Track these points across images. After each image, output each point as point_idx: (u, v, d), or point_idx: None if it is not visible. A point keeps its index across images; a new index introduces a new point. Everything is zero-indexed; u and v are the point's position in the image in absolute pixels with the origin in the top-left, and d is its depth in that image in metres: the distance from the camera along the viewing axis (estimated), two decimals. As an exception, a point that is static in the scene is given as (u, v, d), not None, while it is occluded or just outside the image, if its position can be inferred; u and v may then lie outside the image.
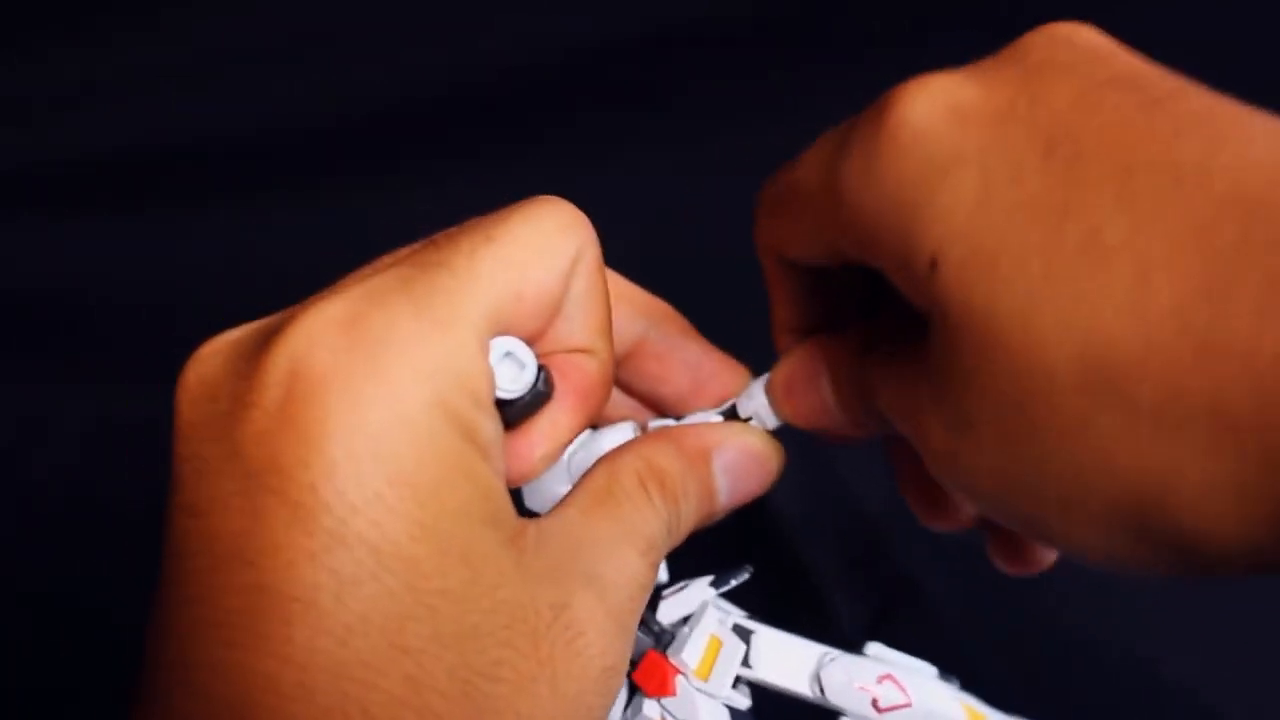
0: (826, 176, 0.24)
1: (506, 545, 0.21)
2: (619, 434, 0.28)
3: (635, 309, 0.29)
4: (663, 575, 0.36)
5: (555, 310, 0.24)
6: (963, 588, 0.42)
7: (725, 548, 0.42)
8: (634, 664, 0.29)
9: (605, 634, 0.22)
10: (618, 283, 0.28)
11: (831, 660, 0.29)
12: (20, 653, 0.42)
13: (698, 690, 0.29)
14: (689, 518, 0.26)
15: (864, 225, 0.22)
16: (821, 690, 0.29)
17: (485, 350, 0.22)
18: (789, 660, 0.30)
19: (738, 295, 0.57)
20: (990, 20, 0.57)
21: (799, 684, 0.29)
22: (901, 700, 0.29)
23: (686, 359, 0.30)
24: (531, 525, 0.23)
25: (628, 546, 0.24)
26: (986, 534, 0.30)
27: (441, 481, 0.20)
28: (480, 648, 0.20)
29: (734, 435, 0.27)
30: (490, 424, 0.22)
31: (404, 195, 0.57)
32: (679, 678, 0.29)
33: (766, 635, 0.30)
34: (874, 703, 0.29)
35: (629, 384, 0.30)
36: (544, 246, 0.23)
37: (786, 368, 0.28)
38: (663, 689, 0.29)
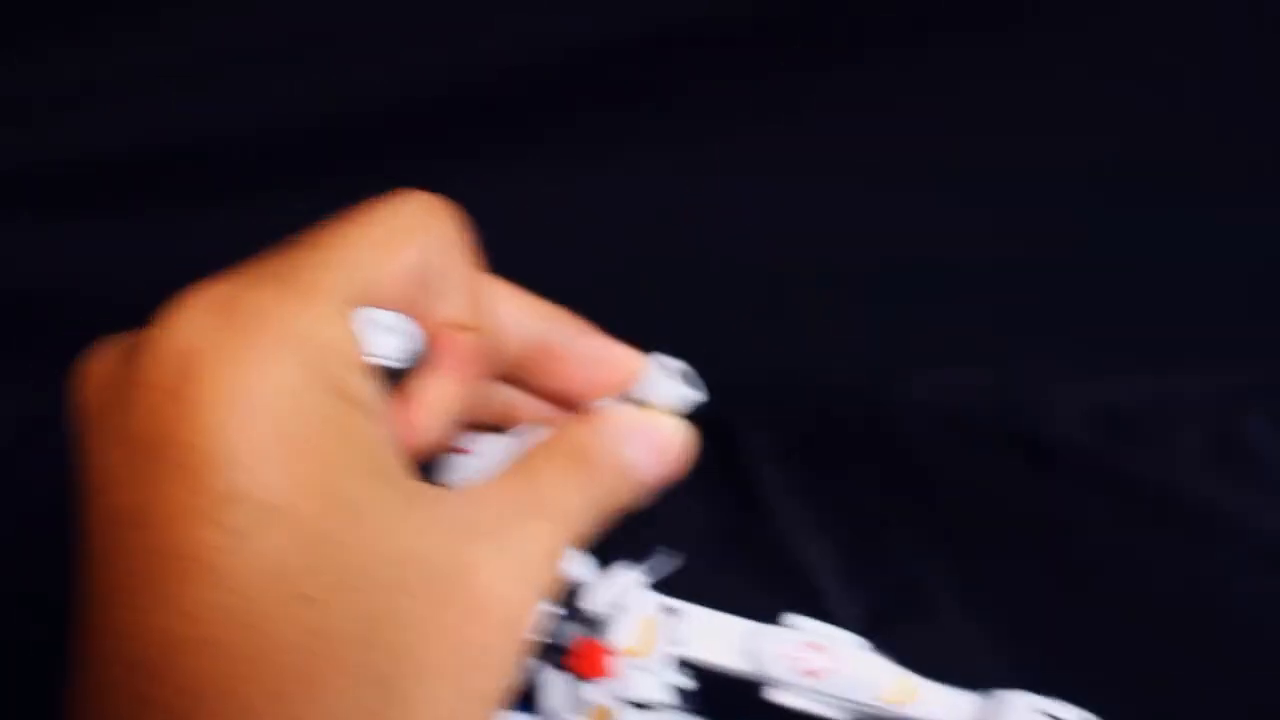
0: None
1: (400, 498, 0.22)
2: (539, 435, 0.30)
3: (533, 312, 0.31)
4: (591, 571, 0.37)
5: (419, 286, 0.25)
6: (963, 588, 0.42)
7: (727, 549, 0.42)
8: (567, 651, 0.30)
9: (507, 586, 0.23)
10: (514, 289, 0.30)
11: (758, 633, 0.31)
12: (20, 653, 0.42)
13: (637, 669, 0.30)
14: (614, 493, 0.28)
15: None
16: (753, 662, 0.31)
17: (349, 318, 0.23)
18: (719, 636, 0.31)
19: (737, 295, 0.57)
20: (991, 21, 0.57)
21: (731, 658, 0.31)
22: (829, 666, 0.31)
23: (587, 353, 0.31)
24: (436, 488, 0.24)
25: (539, 514, 0.25)
26: None
27: (320, 437, 0.21)
28: (375, 595, 0.21)
29: (644, 415, 0.30)
30: (365, 385, 0.23)
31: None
32: (616, 659, 0.30)
33: (696, 613, 0.31)
34: (802, 670, 0.30)
35: (537, 384, 0.32)
36: (403, 226, 0.25)
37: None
38: (596, 670, 0.29)
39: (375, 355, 0.24)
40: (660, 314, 0.33)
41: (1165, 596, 0.43)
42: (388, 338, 0.25)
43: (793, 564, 0.43)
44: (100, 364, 0.24)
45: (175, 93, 0.61)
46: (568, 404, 0.32)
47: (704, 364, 0.33)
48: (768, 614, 0.41)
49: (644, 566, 0.32)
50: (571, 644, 0.31)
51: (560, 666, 0.30)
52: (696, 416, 0.32)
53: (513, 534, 0.24)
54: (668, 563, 0.33)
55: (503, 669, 0.23)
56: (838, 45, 0.60)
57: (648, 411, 0.30)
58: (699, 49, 0.60)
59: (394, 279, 0.25)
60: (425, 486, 0.24)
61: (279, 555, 0.20)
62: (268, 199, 0.59)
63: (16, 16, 0.61)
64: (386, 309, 0.25)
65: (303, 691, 0.20)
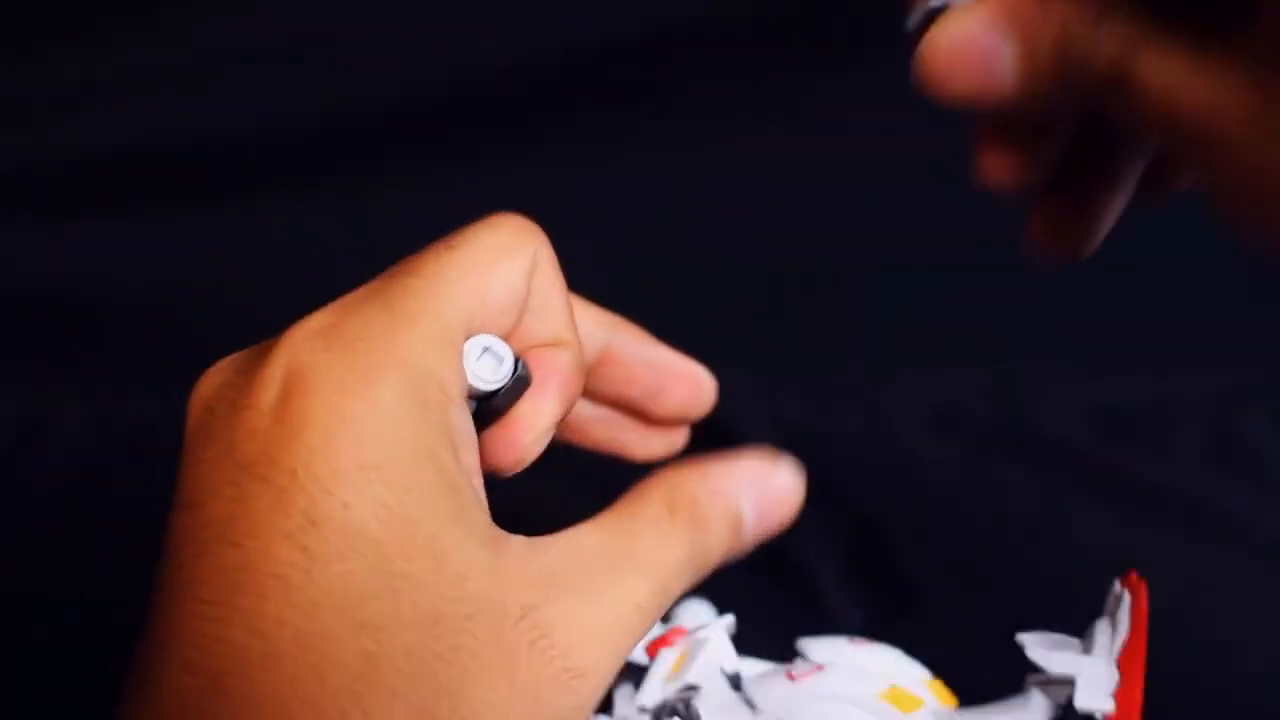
0: None
1: (478, 542, 0.22)
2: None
3: (596, 321, 0.30)
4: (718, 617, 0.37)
5: (520, 308, 0.25)
6: (963, 588, 0.42)
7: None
8: None
9: (575, 639, 0.22)
10: (577, 299, 0.29)
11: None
12: (20, 653, 0.42)
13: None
14: (716, 549, 0.26)
15: None
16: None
17: (456, 347, 0.23)
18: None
19: (737, 295, 0.57)
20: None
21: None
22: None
23: (650, 361, 0.31)
24: (521, 537, 0.23)
25: (634, 567, 0.24)
26: (1039, 207, 0.27)
27: (410, 467, 0.21)
28: (440, 633, 0.21)
29: (762, 468, 0.28)
30: (461, 418, 0.23)
31: (404, 195, 0.57)
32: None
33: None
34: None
35: (599, 391, 0.31)
36: (503, 248, 0.25)
37: (960, 23, 0.23)
38: None
39: (480, 379, 0.24)
40: (660, 314, 0.33)
41: (1165, 596, 0.43)
42: (496, 364, 0.25)
43: (793, 563, 0.43)
44: (209, 385, 0.23)
45: (175, 93, 0.61)
46: (629, 410, 0.32)
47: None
48: (767, 614, 0.41)
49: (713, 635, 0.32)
50: None
51: None
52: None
53: (599, 588, 0.23)
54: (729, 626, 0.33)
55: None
56: (838, 45, 0.60)
57: (763, 458, 0.28)
58: (699, 49, 0.61)
59: (497, 303, 0.25)
60: (508, 535, 0.23)
61: (349, 581, 0.20)
62: (268, 199, 0.59)
63: (16, 16, 0.61)
64: (490, 333, 0.25)
65: (353, 713, 0.20)
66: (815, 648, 0.32)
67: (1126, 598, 0.29)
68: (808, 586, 0.42)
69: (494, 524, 0.23)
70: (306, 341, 0.22)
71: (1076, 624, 0.40)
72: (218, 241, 0.57)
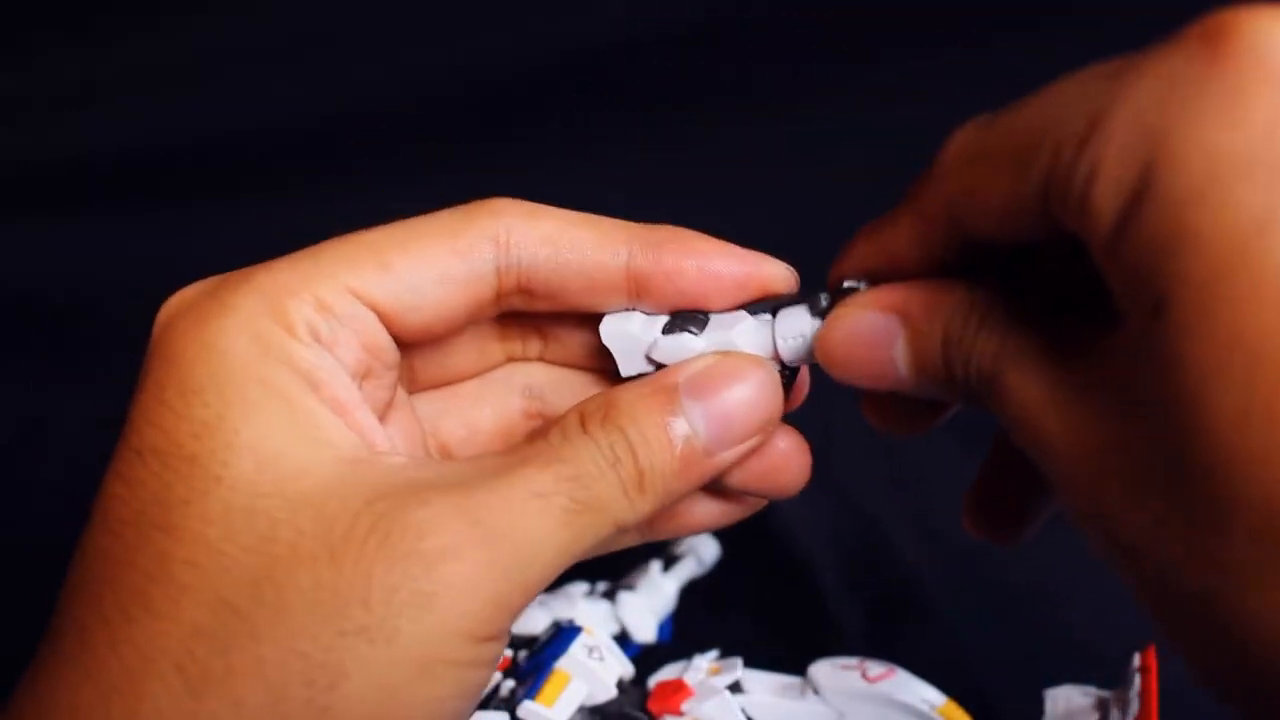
0: (1083, 127, 0.19)
1: (326, 452, 0.22)
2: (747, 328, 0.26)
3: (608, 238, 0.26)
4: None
5: (467, 286, 0.25)
6: (962, 588, 0.42)
7: (726, 549, 0.42)
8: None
9: (438, 524, 0.21)
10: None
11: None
12: (21, 653, 0.42)
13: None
14: (652, 457, 0.23)
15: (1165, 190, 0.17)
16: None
17: (320, 300, 0.23)
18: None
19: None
20: (991, 22, 0.57)
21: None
22: None
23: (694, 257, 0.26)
24: (414, 459, 0.23)
25: (533, 462, 0.22)
26: (971, 497, 0.27)
27: (235, 389, 0.22)
28: (254, 525, 0.21)
29: (716, 374, 0.24)
30: (313, 356, 0.23)
31: (404, 195, 0.57)
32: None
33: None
34: None
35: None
36: (444, 230, 0.24)
37: (854, 317, 0.24)
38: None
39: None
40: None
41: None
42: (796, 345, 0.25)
43: (793, 563, 0.43)
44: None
45: (175, 93, 0.61)
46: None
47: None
48: (767, 612, 0.41)
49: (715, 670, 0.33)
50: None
51: None
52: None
53: (487, 484, 0.22)
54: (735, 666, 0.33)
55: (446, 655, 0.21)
56: (838, 45, 0.60)
57: (723, 362, 0.24)
58: (699, 49, 0.61)
59: (412, 279, 0.24)
60: (389, 455, 0.23)
61: (165, 493, 0.22)
62: (267, 199, 0.59)
63: (16, 16, 0.61)
64: (407, 303, 0.24)
65: (135, 612, 0.21)
66: (828, 679, 0.33)
67: (1138, 679, 0.29)
68: (807, 586, 0.42)
69: (371, 445, 0.23)
70: (205, 285, 0.24)
71: (1078, 622, 0.40)
72: (218, 241, 0.57)
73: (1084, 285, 0.20)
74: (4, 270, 0.58)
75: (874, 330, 0.24)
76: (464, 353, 0.27)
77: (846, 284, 0.25)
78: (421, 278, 0.24)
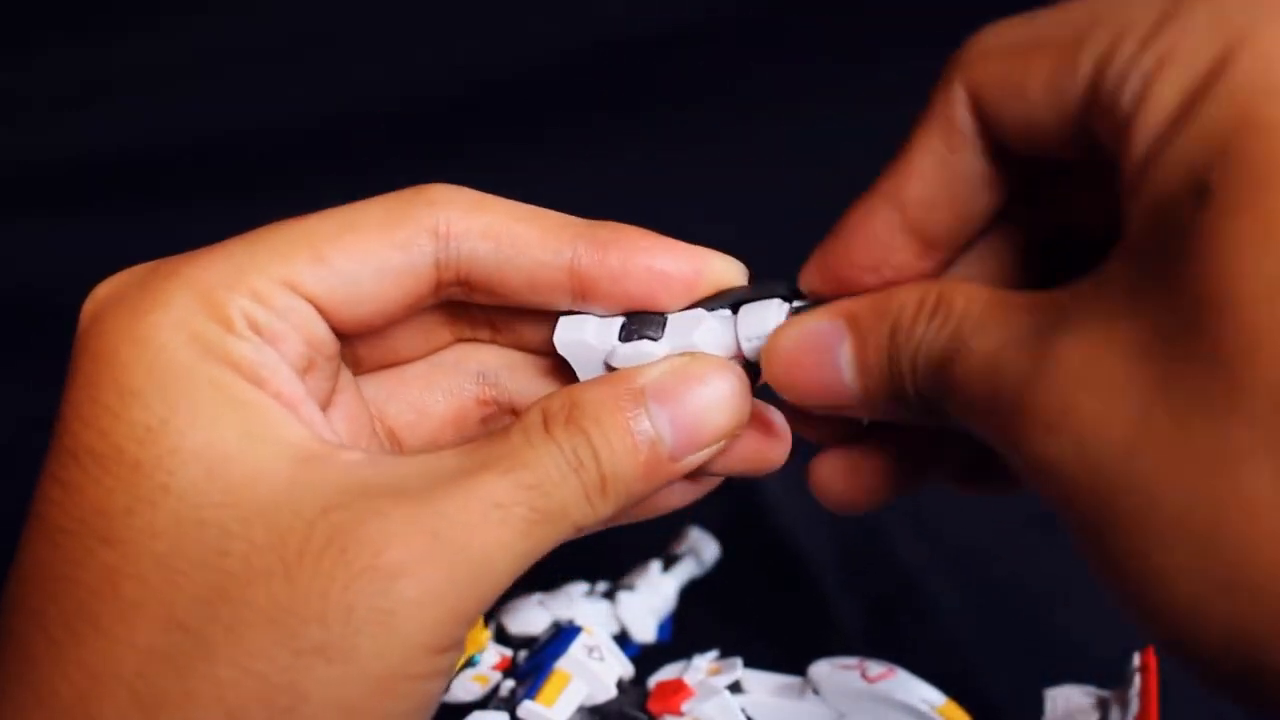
0: (1153, 18, 0.18)
1: (277, 454, 0.21)
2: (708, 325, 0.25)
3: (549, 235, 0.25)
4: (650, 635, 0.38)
5: (410, 278, 0.24)
6: (962, 588, 0.42)
7: (726, 549, 0.42)
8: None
9: (395, 538, 0.20)
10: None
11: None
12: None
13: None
14: (615, 460, 0.22)
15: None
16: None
17: (255, 291, 0.23)
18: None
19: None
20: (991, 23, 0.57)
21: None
22: None
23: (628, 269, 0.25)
24: (368, 454, 0.22)
25: (494, 467, 0.21)
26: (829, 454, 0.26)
27: (178, 390, 0.21)
28: (204, 537, 0.20)
29: (679, 376, 0.24)
30: (252, 350, 0.22)
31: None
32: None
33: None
34: None
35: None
36: (378, 222, 0.24)
37: (799, 324, 0.23)
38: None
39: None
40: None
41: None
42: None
43: (793, 563, 0.43)
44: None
45: (175, 93, 0.61)
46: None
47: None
48: (767, 612, 0.41)
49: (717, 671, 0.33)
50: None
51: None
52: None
53: (444, 491, 0.21)
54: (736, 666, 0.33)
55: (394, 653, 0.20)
56: (838, 45, 0.60)
57: (688, 364, 0.24)
58: (699, 49, 0.61)
59: (351, 269, 0.23)
60: (340, 450, 0.22)
61: (107, 501, 0.21)
62: (268, 199, 0.59)
63: (16, 16, 0.61)
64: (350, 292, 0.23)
65: (83, 630, 0.20)
66: (827, 679, 0.33)
67: (1138, 678, 0.29)
68: (807, 586, 0.42)
69: (322, 440, 0.22)
70: (133, 274, 0.23)
71: (1078, 622, 0.40)
72: (217, 241, 0.57)
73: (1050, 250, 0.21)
74: (4, 270, 0.58)
75: (819, 335, 0.23)
76: (409, 336, 0.26)
77: (795, 304, 0.24)
78: (359, 271, 0.23)
